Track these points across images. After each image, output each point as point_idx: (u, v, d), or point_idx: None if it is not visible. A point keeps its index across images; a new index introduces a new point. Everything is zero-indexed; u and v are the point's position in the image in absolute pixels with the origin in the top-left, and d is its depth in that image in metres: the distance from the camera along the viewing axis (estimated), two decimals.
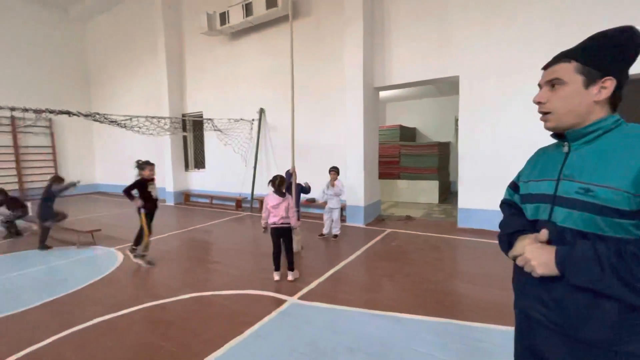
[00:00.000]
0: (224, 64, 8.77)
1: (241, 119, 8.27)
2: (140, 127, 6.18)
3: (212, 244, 5.54)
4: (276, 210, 3.71)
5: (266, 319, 2.84)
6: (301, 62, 7.12)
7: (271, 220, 3.71)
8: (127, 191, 4.20)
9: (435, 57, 5.79)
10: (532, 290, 0.94)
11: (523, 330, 1.02)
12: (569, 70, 0.90)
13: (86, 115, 5.04)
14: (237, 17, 7.56)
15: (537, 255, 0.87)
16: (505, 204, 1.18)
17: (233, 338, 2.55)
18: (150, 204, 4.35)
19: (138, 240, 4.34)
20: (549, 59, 0.97)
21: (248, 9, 7.36)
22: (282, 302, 3.16)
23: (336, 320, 2.82)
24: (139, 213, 4.29)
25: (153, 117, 6.70)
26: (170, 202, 9.62)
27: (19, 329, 2.81)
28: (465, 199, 5.75)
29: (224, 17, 7.78)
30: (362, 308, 2.99)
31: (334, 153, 6.88)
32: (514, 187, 1.16)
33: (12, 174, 10.67)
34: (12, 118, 10.38)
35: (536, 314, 0.94)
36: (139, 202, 4.22)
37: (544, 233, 0.90)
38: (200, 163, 9.95)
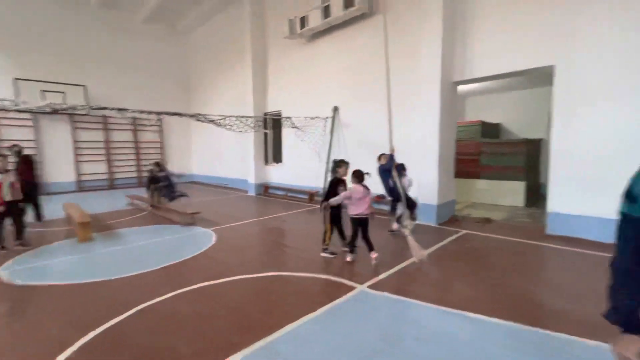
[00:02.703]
0: (302, 65, 9.31)
1: (316, 117, 8.71)
2: (231, 125, 7.05)
3: (288, 231, 6.06)
4: (360, 202, 3.98)
5: (337, 301, 3.09)
6: (378, 59, 7.18)
7: (356, 211, 4.00)
8: (326, 199, 4.20)
9: (525, 46, 5.28)
10: None
11: None
12: None
13: (191, 116, 6.01)
14: (315, 20, 7.96)
15: (622, 344, 0.82)
16: (623, 216, 1.00)
17: (307, 314, 2.86)
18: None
19: (324, 237, 4.40)
20: None
21: (326, 11, 7.69)
22: (352, 288, 3.37)
23: (404, 311, 2.93)
24: (324, 214, 4.34)
25: (242, 117, 7.54)
26: (252, 193, 10.66)
27: (146, 284, 3.59)
28: (557, 202, 5.16)
29: (303, 21, 8.27)
30: (431, 303, 3.02)
31: (410, 148, 6.79)
32: (629, 197, 0.98)
33: (131, 164, 13.12)
34: (134, 118, 12.70)
35: None
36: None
37: None
38: (277, 158, 10.78)
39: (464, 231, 5.61)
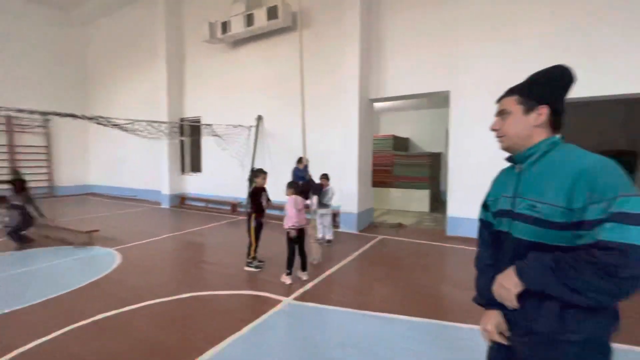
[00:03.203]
0: (224, 71, 8.98)
1: (240, 125, 8.46)
2: (141, 131, 6.33)
3: (208, 246, 5.68)
4: (299, 213, 3.90)
5: (263, 317, 3.00)
6: (301, 72, 7.35)
7: (292, 220, 3.84)
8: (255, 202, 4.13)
9: (427, 73, 6.10)
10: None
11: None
12: (511, 102, 1.11)
13: (90, 119, 5.18)
14: (238, 27, 7.80)
15: (505, 284, 1.01)
16: (480, 220, 1.35)
17: (232, 334, 2.71)
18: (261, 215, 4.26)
19: (249, 251, 4.25)
20: None
21: (249, 19, 7.60)
22: (277, 302, 3.32)
23: (329, 319, 3.00)
24: (249, 224, 4.20)
25: (155, 122, 6.85)
26: (166, 205, 9.70)
27: (24, 323, 2.92)
28: (454, 208, 6.00)
29: (225, 27, 8.01)
30: (354, 309, 3.17)
31: (331, 160, 7.10)
32: (484, 206, 1.32)
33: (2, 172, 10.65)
34: (9, 117, 10.40)
35: (503, 310, 1.12)
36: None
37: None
38: (196, 167, 10.08)
39: (381, 236, 6.07)
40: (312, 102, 7.44)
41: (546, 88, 1.07)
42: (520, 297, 1.00)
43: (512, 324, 1.10)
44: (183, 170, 10.23)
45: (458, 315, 3.02)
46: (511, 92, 1.14)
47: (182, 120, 9.80)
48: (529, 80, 1.12)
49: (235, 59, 8.75)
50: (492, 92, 5.75)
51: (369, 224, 7.02)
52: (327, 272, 4.18)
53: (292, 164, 6.40)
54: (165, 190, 9.79)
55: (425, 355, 2.42)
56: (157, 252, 5.16)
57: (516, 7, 5.34)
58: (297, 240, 3.88)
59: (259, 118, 8.33)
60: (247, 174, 8.39)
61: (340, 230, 6.54)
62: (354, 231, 6.45)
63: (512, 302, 1.00)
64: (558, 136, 1.09)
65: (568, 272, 0.87)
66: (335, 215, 6.67)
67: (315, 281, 3.88)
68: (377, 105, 9.81)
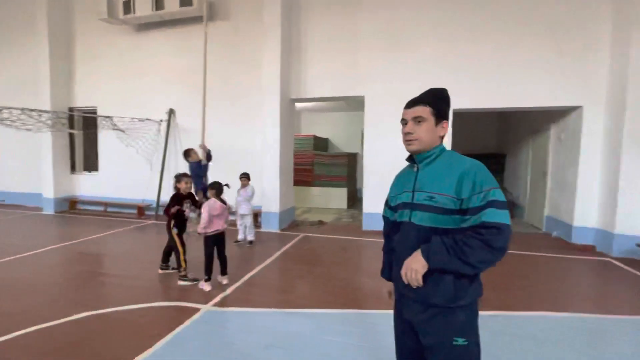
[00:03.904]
0: (128, 58, 7.93)
1: (147, 119, 7.59)
2: (13, 121, 5.13)
3: (110, 256, 4.96)
4: (217, 219, 3.64)
5: (178, 329, 2.77)
6: (218, 64, 7.00)
7: (212, 228, 3.61)
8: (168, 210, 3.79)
9: (344, 77, 6.45)
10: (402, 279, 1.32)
11: (397, 305, 1.43)
12: (427, 112, 1.28)
13: None
14: (144, 9, 6.98)
15: (413, 266, 1.19)
16: (383, 217, 1.63)
17: (142, 353, 2.43)
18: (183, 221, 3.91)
19: (179, 262, 3.80)
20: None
21: (159, 2, 6.88)
22: (195, 310, 3.10)
23: (252, 321, 2.94)
24: (170, 232, 3.84)
25: (33, 110, 5.63)
26: (50, 211, 8.10)
27: None
28: (369, 204, 6.50)
29: (128, 6, 7.08)
30: (277, 308, 3.17)
31: (249, 158, 6.92)
32: (387, 204, 1.55)
33: None
34: None
35: (404, 292, 1.33)
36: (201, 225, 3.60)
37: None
38: (91, 165, 8.68)
39: (303, 234, 6.20)
40: (231, 97, 7.17)
41: (447, 107, 1.32)
42: (426, 281, 1.21)
43: (413, 302, 1.30)
44: (73, 169, 8.70)
45: (373, 303, 3.28)
46: (425, 103, 1.29)
47: (71, 110, 8.31)
48: (435, 96, 1.31)
49: (141, 44, 7.81)
50: (400, 99, 6.31)
51: (291, 223, 7.09)
52: (250, 274, 4.08)
53: (211, 164, 6.05)
54: (49, 193, 8.17)
55: (346, 343, 2.57)
56: (39, 268, 4.28)
57: (410, 25, 6.05)
58: (215, 245, 3.68)
59: (171, 112, 7.62)
60: (157, 174, 7.62)
61: (262, 230, 6.44)
62: (276, 230, 6.43)
63: (419, 282, 1.19)
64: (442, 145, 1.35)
65: (463, 248, 1.11)
66: (256, 215, 6.55)
67: (237, 284, 3.75)
68: (298, 105, 9.95)
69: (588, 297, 3.73)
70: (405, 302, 1.34)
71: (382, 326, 2.83)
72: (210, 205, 3.61)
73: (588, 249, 5.33)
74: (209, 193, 3.74)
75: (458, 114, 6.13)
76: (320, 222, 7.27)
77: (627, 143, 4.89)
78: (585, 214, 5.49)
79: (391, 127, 6.19)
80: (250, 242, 5.41)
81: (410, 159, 1.38)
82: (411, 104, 1.32)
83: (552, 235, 6.21)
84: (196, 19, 7.17)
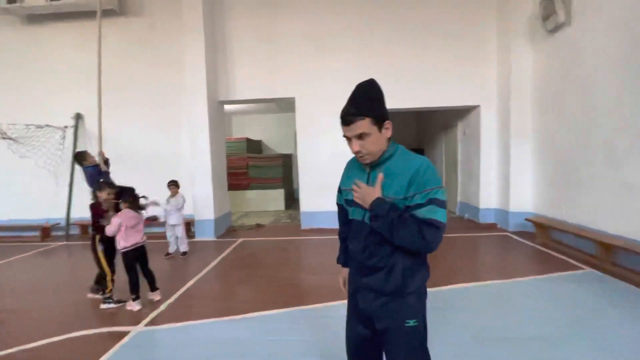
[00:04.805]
0: (19, 54, 6.78)
1: (48, 126, 6.58)
2: None
3: (6, 290, 4.18)
4: (134, 231, 3.31)
5: (105, 356, 2.50)
6: (135, 65, 6.42)
7: (130, 242, 3.27)
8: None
9: (274, 79, 6.47)
10: (356, 271, 1.41)
11: (353, 298, 1.47)
12: (367, 125, 1.22)
13: None
14: None
15: (367, 191, 1.27)
16: (337, 204, 1.62)
17: None
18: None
19: (101, 283, 3.51)
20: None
21: None
22: (124, 334, 2.83)
23: (191, 335, 2.79)
24: (95, 250, 3.46)
25: None
26: None
27: None
28: (306, 203, 6.64)
29: None
30: (218, 317, 3.06)
31: (178, 165, 6.50)
32: (340, 191, 1.55)
33: None
34: None
35: (359, 283, 1.40)
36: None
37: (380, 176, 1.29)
38: None
39: (241, 239, 6.05)
40: (153, 101, 6.64)
41: (384, 105, 1.30)
42: (374, 271, 1.32)
43: (369, 292, 1.37)
44: None
45: (316, 298, 3.38)
46: (361, 115, 1.22)
47: None
48: (369, 100, 1.27)
49: (37, 39, 6.75)
50: (330, 99, 6.65)
51: (228, 229, 6.86)
52: (186, 287, 3.85)
53: (127, 172, 5.49)
54: None
55: (290, 341, 2.61)
56: None
57: (331, 29, 6.35)
58: (135, 262, 3.39)
59: (78, 116, 6.74)
60: (66, 188, 6.66)
61: (196, 239, 6.11)
62: (212, 238, 6.16)
63: (365, 204, 1.27)
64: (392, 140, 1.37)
65: (400, 224, 1.18)
66: (189, 225, 6.19)
67: (172, 299, 3.51)
68: (228, 107, 9.64)
69: (493, 266, 4.40)
70: (361, 293, 1.40)
71: (326, 318, 2.95)
72: (124, 215, 3.30)
73: (492, 227, 6.27)
74: (122, 205, 3.37)
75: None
76: (258, 226, 7.17)
77: (514, 138, 5.87)
78: (488, 197, 6.45)
79: (323, 127, 6.43)
80: (184, 254, 5.09)
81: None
82: (348, 119, 1.24)
83: (464, 217, 7.13)
84: (105, 14, 6.44)
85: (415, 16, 6.28)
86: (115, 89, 6.44)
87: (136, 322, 3.02)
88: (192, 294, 3.68)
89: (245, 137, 10.55)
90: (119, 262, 3.45)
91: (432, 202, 1.18)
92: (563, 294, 3.32)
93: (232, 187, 8.97)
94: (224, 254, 5.15)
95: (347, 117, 1.24)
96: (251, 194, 9.55)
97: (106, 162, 4.34)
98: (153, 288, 3.52)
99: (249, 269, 4.47)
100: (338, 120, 1.34)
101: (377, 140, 1.27)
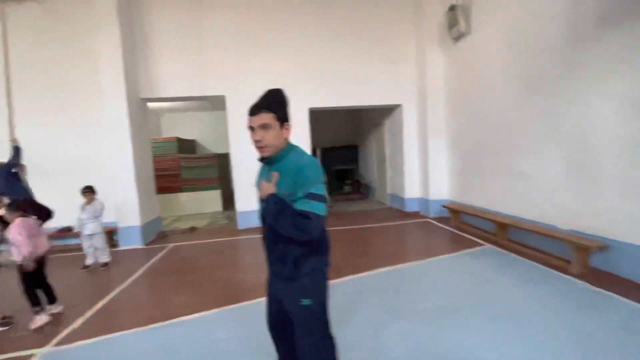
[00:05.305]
0: None
1: None
2: None
3: None
4: (37, 239, 2.99)
5: None
6: (33, 56, 5.66)
7: (24, 252, 2.91)
8: None
9: (201, 76, 6.23)
10: (267, 260, 1.60)
11: (269, 284, 1.69)
12: (272, 119, 1.39)
13: None
14: None
15: (264, 187, 1.43)
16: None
17: None
18: None
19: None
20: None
21: None
22: (26, 358, 2.54)
23: (113, 348, 2.63)
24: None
25: None
26: None
27: None
28: (242, 203, 6.56)
29: None
30: (146, 325, 2.91)
31: (95, 169, 5.91)
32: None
33: None
34: None
35: (270, 270, 1.62)
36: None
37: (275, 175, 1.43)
38: None
39: (172, 244, 5.76)
40: (63, 99, 5.95)
41: (287, 110, 1.48)
42: (276, 259, 1.53)
43: (275, 278, 1.59)
44: None
45: (251, 294, 3.39)
46: (267, 109, 1.39)
47: None
48: (275, 101, 1.44)
49: None
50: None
51: (159, 234, 6.46)
52: (107, 298, 3.57)
53: (43, 180, 4.87)
54: None
55: (229, 340, 2.60)
56: None
57: (259, 28, 6.32)
58: (35, 272, 3.08)
59: None
60: None
61: (120, 248, 5.64)
62: (139, 245, 5.75)
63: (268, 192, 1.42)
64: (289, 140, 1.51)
65: (281, 215, 1.34)
66: (111, 233, 5.69)
67: (88, 315, 3.23)
68: (155, 105, 9.03)
69: (415, 249, 4.89)
70: (270, 279, 1.64)
71: (258, 314, 2.98)
72: (26, 225, 2.99)
73: (416, 214, 6.91)
74: (11, 216, 3.01)
75: (314, 112, 6.84)
76: (192, 229, 6.88)
77: (431, 135, 6.53)
78: (411, 188, 7.09)
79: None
80: (105, 265, 4.69)
81: (262, 159, 1.49)
82: (255, 110, 1.40)
83: (387, 206, 7.72)
84: None
85: (345, 15, 6.55)
86: (19, 85, 5.62)
87: (42, 343, 2.73)
88: (115, 306, 3.43)
89: (176, 136, 9.95)
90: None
91: (308, 195, 1.34)
92: (466, 268, 3.85)
93: (163, 190, 8.44)
94: (152, 261, 4.85)
95: (255, 109, 1.41)
96: (184, 196, 9.07)
97: (17, 149, 3.83)
98: (52, 300, 3.25)
99: (180, 273, 4.30)
100: None
101: (277, 135, 1.42)
